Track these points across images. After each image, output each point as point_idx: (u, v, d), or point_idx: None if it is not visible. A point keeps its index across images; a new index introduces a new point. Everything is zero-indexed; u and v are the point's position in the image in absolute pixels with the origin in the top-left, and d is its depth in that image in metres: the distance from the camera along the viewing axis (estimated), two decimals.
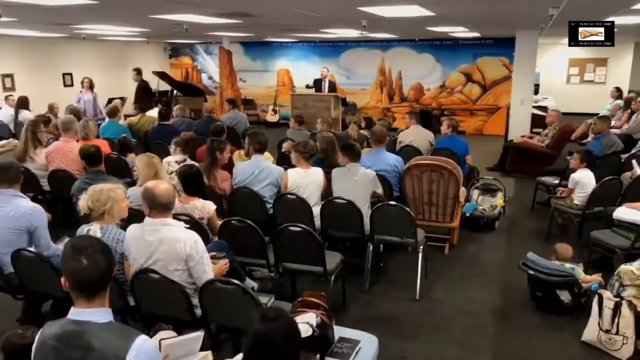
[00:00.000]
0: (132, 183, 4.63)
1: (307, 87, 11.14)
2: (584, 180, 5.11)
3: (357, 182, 4.36)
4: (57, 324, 1.70)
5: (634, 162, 5.65)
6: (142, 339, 1.67)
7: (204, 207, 3.70)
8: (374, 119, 7.96)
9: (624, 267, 3.51)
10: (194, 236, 2.82)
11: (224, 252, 3.24)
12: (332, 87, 10.57)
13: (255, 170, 4.53)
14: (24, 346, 1.95)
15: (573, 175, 5.22)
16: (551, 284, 3.87)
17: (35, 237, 3.36)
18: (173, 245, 2.77)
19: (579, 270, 3.88)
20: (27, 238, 3.34)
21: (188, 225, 2.96)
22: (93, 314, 1.67)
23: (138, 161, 4.04)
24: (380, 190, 4.56)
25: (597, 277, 3.86)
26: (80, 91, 9.51)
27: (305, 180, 4.42)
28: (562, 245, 4.11)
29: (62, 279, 1.69)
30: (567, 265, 3.91)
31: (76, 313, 1.68)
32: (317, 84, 10.60)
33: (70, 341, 1.64)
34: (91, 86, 9.45)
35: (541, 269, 3.90)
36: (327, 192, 4.61)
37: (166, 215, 2.85)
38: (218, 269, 3.03)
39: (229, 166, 4.88)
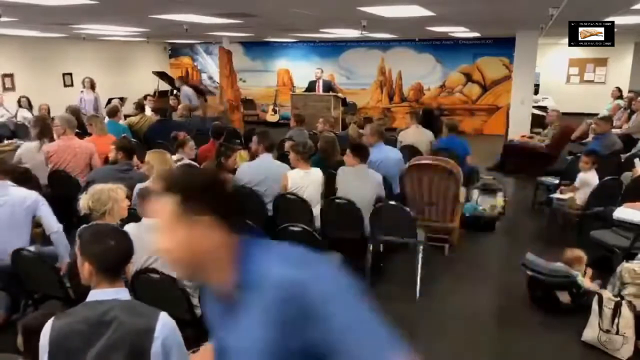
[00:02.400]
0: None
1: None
2: (592, 181, 5.11)
3: (366, 184, 4.35)
4: (75, 311, 1.76)
5: (636, 160, 5.65)
6: (164, 314, 1.78)
7: None
8: (374, 118, 7.97)
9: (626, 265, 3.51)
10: None
11: None
12: (328, 86, 10.54)
13: (267, 169, 4.52)
14: (42, 327, 2.00)
15: (583, 175, 5.20)
16: (550, 285, 3.87)
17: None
18: None
19: (581, 278, 3.85)
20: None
21: None
22: (116, 292, 1.79)
23: (151, 158, 4.06)
24: (382, 193, 4.56)
25: (596, 287, 3.83)
26: (82, 91, 9.52)
27: (306, 181, 4.41)
28: (571, 250, 4.07)
29: (86, 266, 1.78)
30: (573, 271, 3.89)
31: (99, 294, 1.78)
32: (311, 85, 10.58)
33: (98, 320, 1.71)
34: (92, 86, 9.46)
35: (539, 270, 3.90)
36: (325, 192, 4.61)
37: None
38: None
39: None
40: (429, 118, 8.86)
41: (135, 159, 4.90)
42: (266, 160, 4.62)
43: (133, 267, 2.90)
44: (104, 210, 3.00)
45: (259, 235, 1.30)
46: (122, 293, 1.81)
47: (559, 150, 7.95)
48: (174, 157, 5.05)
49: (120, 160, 4.53)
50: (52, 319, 1.77)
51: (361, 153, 4.42)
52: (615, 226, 4.48)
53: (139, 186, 3.86)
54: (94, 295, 1.78)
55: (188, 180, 1.17)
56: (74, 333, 1.71)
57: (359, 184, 4.34)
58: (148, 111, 8.56)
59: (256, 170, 4.55)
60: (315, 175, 4.49)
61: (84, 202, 3.01)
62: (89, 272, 1.78)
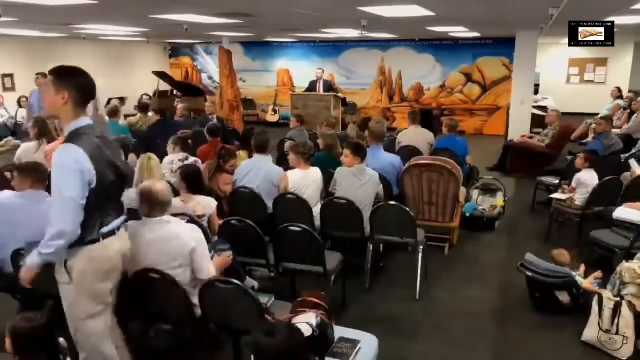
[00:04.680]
0: None
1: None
2: (588, 182, 5.11)
3: (365, 184, 4.34)
4: (87, 137, 2.41)
5: (631, 161, 5.65)
6: None
7: (207, 203, 3.72)
8: (372, 119, 7.97)
9: (626, 265, 3.51)
10: (196, 229, 2.86)
11: (228, 245, 3.24)
12: (329, 86, 10.55)
13: (253, 169, 4.53)
14: (30, 329, 2.08)
15: (578, 175, 5.22)
16: (549, 285, 3.87)
17: None
18: (175, 241, 2.77)
19: (579, 279, 3.85)
20: None
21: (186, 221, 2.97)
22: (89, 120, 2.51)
23: (138, 162, 4.06)
24: (381, 191, 4.56)
25: (597, 275, 3.84)
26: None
27: (306, 181, 4.41)
28: (558, 251, 4.08)
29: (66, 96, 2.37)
30: (569, 271, 3.88)
31: (84, 120, 2.48)
32: (312, 85, 10.59)
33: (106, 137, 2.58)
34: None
35: (539, 271, 3.90)
36: (325, 191, 4.62)
37: (164, 213, 2.85)
38: (222, 261, 3.04)
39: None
40: (427, 118, 8.85)
41: (135, 158, 4.90)
42: (257, 159, 4.62)
43: (133, 266, 2.90)
44: None
45: None
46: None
47: (559, 150, 7.95)
48: (180, 156, 5.07)
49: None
50: (80, 148, 2.28)
51: (359, 152, 4.41)
52: (615, 226, 4.48)
53: (140, 187, 3.86)
54: (84, 121, 2.40)
55: None
56: (102, 148, 2.38)
57: (359, 184, 4.33)
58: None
59: (246, 168, 4.57)
60: (315, 175, 4.49)
61: None
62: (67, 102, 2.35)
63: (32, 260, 2.40)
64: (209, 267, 2.88)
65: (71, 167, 2.25)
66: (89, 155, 2.29)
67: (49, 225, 2.30)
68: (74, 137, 2.36)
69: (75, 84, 2.36)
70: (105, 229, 2.46)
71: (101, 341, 2.56)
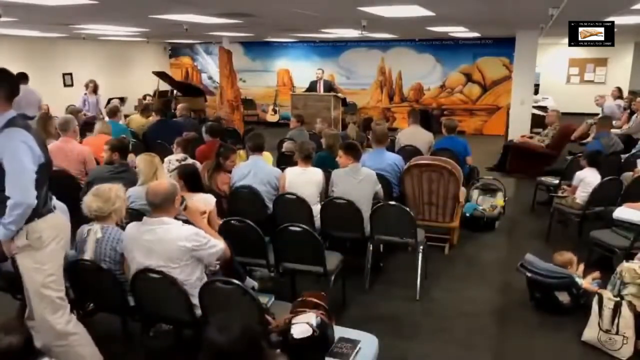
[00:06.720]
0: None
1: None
2: (588, 178, 5.10)
3: (361, 182, 4.35)
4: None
5: (639, 161, 5.65)
6: None
7: (206, 199, 3.72)
8: (375, 120, 7.98)
9: (626, 265, 3.51)
10: (193, 230, 2.85)
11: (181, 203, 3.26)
12: (329, 86, 10.55)
13: (251, 170, 4.54)
14: (7, 347, 1.96)
15: (579, 173, 5.21)
16: (549, 286, 3.87)
17: None
18: (172, 244, 2.77)
19: (579, 279, 3.84)
20: None
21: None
22: None
23: (139, 160, 4.05)
24: (380, 191, 4.56)
25: (595, 275, 3.85)
26: (85, 93, 9.50)
27: (301, 179, 4.41)
28: (559, 254, 4.08)
29: None
30: (568, 272, 3.89)
31: None
32: (312, 85, 10.59)
33: None
34: (95, 89, 9.46)
35: (539, 271, 3.90)
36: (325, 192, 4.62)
37: (164, 214, 2.85)
38: (196, 216, 3.17)
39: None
40: (425, 119, 8.85)
41: (134, 158, 4.90)
42: (254, 160, 4.63)
43: (132, 267, 2.91)
44: (111, 210, 3.01)
45: None
46: None
47: (559, 150, 7.95)
48: (179, 157, 5.07)
49: (116, 160, 4.53)
50: (25, 131, 2.55)
51: (353, 152, 4.43)
52: (615, 226, 4.48)
53: (131, 190, 3.86)
54: (13, 112, 2.63)
55: None
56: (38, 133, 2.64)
57: (355, 183, 4.34)
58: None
59: (245, 169, 4.57)
60: (314, 175, 4.49)
61: (91, 203, 3.01)
62: None
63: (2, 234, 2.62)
64: (215, 245, 2.90)
65: (24, 146, 2.52)
66: (34, 137, 2.59)
67: (10, 199, 2.51)
68: (14, 123, 2.58)
69: (5, 81, 2.60)
70: (51, 203, 2.77)
71: (62, 302, 2.78)
